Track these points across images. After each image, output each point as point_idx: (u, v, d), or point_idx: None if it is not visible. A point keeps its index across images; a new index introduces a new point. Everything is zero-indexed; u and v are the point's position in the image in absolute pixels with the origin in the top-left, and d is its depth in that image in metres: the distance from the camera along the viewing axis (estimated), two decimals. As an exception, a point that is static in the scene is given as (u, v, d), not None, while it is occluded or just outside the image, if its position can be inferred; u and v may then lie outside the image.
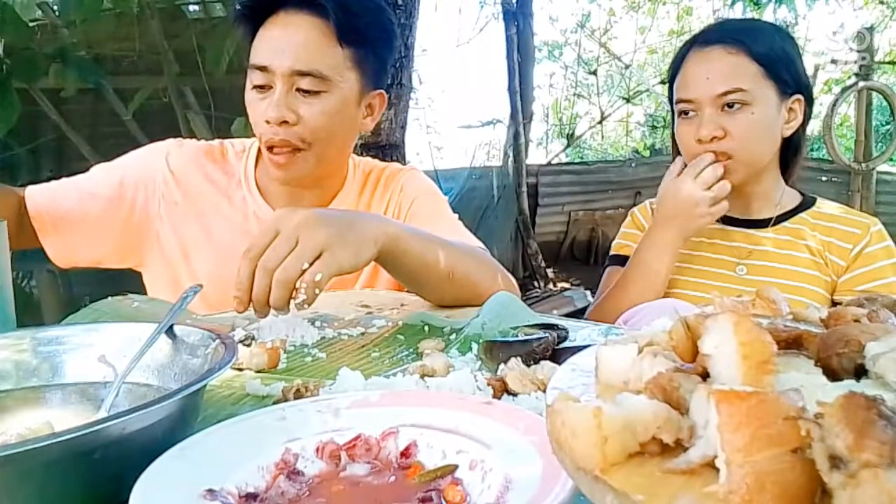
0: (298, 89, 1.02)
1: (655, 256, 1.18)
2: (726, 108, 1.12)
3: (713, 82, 1.12)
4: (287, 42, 1.01)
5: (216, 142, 1.24)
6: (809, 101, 1.19)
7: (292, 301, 0.75)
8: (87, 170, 1.16)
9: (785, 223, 1.23)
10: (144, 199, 1.14)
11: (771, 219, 1.23)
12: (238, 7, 1.07)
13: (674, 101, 1.21)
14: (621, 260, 1.33)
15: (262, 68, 1.02)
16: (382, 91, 1.15)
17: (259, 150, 1.15)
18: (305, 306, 0.75)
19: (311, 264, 0.75)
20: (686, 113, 1.17)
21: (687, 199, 1.14)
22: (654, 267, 1.18)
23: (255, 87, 1.04)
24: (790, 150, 1.22)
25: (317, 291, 0.75)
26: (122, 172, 1.14)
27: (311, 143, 1.05)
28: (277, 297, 0.74)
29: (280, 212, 0.79)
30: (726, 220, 1.23)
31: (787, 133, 1.18)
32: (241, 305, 0.76)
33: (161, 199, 1.14)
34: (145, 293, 1.18)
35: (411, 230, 0.89)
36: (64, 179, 1.14)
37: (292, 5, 1.02)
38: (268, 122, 1.02)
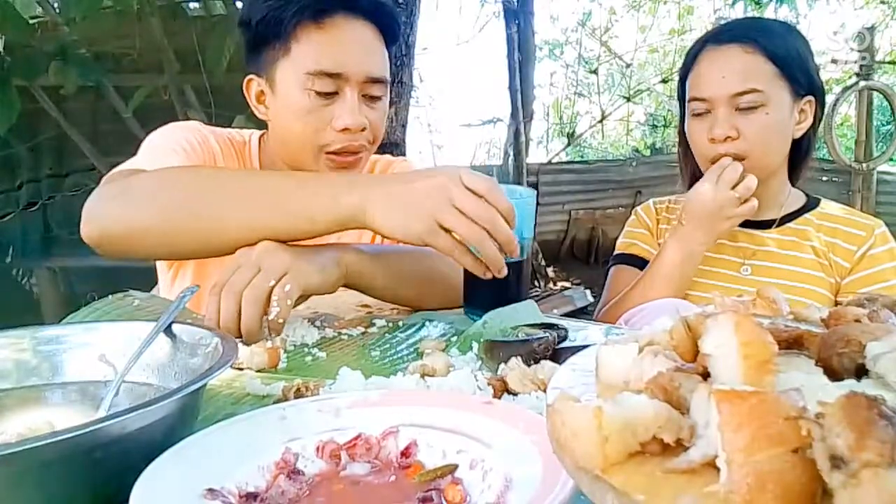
0: (364, 95, 1.01)
1: (682, 260, 1.16)
2: (740, 108, 1.11)
3: (728, 82, 1.11)
4: (358, 48, 1.00)
5: (224, 132, 1.17)
6: (821, 103, 1.18)
7: (265, 318, 0.73)
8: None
9: (789, 224, 1.22)
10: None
11: (775, 220, 1.22)
12: (295, 7, 1.00)
13: (685, 98, 1.19)
14: (627, 259, 1.32)
15: (335, 75, 0.98)
16: None
17: (259, 144, 1.14)
18: (280, 321, 0.73)
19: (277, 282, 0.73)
20: (699, 112, 1.16)
21: (712, 202, 1.12)
22: (679, 271, 1.16)
23: (318, 94, 0.99)
24: (799, 151, 1.21)
25: (289, 302, 0.73)
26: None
27: (373, 144, 1.06)
28: (249, 315, 0.72)
29: (240, 250, 0.78)
30: None
31: (798, 135, 1.17)
32: None
33: None
34: (149, 291, 1.17)
35: (373, 249, 0.90)
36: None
37: (350, 10, 1.00)
38: (346, 129, 0.99)
